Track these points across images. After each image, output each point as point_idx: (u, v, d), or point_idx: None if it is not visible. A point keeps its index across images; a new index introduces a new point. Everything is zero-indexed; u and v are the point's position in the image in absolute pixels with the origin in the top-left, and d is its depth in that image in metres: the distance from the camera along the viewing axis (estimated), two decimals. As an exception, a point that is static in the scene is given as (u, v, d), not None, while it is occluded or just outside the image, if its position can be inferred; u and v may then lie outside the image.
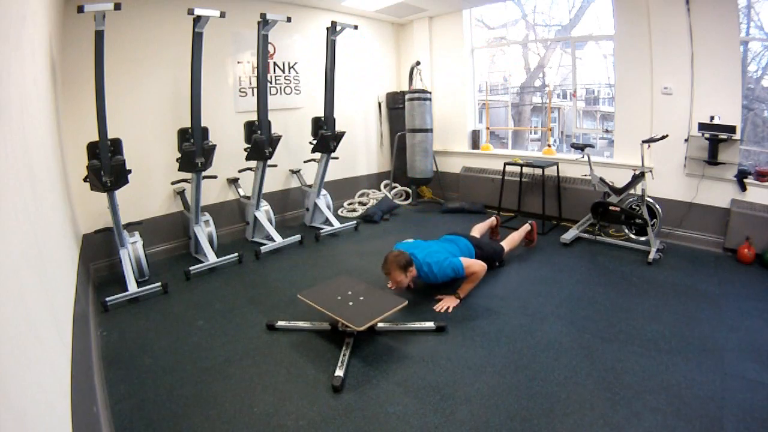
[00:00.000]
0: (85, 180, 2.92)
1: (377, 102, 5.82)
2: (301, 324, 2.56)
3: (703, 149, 3.58)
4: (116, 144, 2.94)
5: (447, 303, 2.77)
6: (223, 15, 3.10)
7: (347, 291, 2.52)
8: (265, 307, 2.87)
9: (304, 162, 4.69)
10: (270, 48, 4.39)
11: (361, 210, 5.17)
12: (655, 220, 3.67)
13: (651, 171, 3.70)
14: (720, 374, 2.04)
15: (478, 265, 2.86)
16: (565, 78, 8.08)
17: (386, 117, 5.92)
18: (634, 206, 3.72)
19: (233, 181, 4.29)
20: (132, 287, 3.00)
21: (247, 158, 3.82)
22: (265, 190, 4.14)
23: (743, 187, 3.49)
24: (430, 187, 5.80)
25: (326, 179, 4.54)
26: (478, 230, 3.68)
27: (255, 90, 4.06)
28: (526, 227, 3.77)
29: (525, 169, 4.64)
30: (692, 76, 3.61)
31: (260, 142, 3.68)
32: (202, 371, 2.19)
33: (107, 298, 2.87)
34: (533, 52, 8.79)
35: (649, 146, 3.70)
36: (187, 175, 3.62)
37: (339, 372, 2.06)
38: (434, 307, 2.75)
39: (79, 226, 3.26)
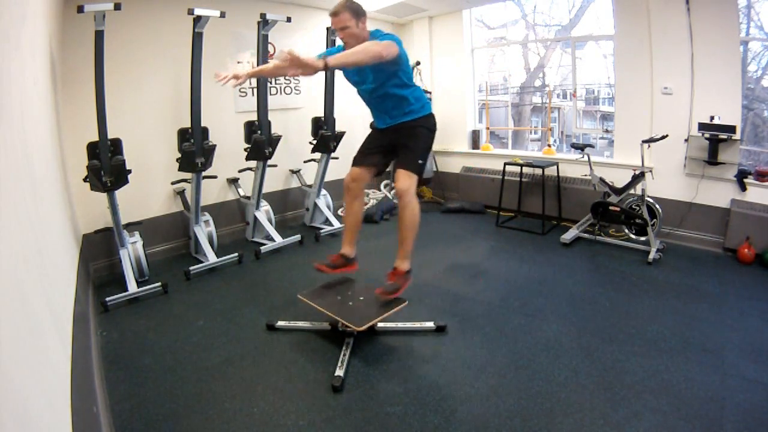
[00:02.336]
0: (85, 180, 2.92)
1: (377, 102, 5.81)
2: (301, 324, 2.56)
3: (703, 149, 3.58)
4: (116, 144, 2.94)
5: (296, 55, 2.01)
6: (223, 15, 3.10)
7: (347, 291, 2.52)
8: (265, 307, 2.87)
9: (304, 162, 4.68)
10: (270, 48, 4.39)
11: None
12: (655, 220, 3.67)
13: (651, 171, 3.70)
14: (720, 374, 2.04)
15: (382, 45, 2.10)
16: (565, 78, 8.07)
17: (386, 117, 5.91)
18: (634, 206, 3.73)
19: (233, 181, 4.29)
20: (132, 287, 3.00)
21: (247, 158, 3.82)
22: (265, 190, 4.14)
23: (743, 187, 3.49)
24: (430, 187, 5.80)
25: (326, 179, 4.54)
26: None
27: (255, 90, 4.06)
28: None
29: (525, 169, 4.64)
30: (692, 76, 3.61)
31: (260, 142, 3.68)
32: (202, 371, 2.19)
33: (107, 298, 2.86)
34: (533, 52, 8.79)
35: (649, 146, 3.70)
36: (187, 175, 3.62)
37: (339, 372, 2.06)
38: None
39: (79, 226, 3.26)
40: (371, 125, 2.69)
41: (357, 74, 2.42)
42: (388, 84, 2.35)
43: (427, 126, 2.47)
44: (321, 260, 2.63)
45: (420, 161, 2.37)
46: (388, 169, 6.09)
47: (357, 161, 2.58)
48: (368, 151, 2.58)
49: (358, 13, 2.25)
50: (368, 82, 2.37)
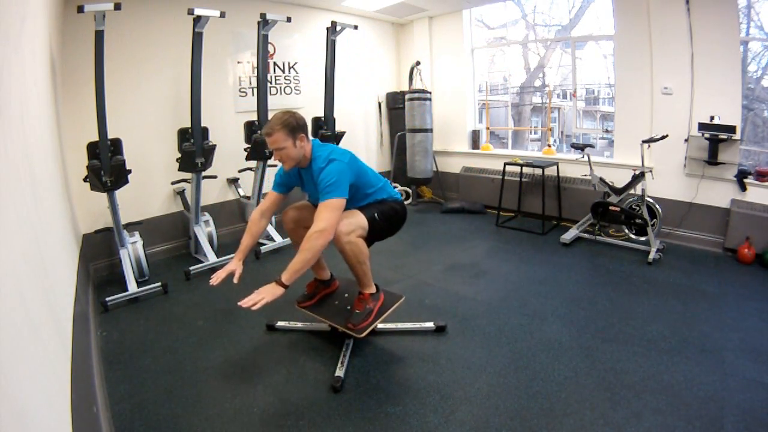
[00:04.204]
0: (85, 180, 2.92)
1: (377, 102, 5.82)
2: (300, 324, 2.56)
3: (703, 149, 3.58)
4: (116, 144, 2.94)
5: (262, 293, 1.96)
6: (223, 15, 3.10)
7: (344, 294, 2.51)
8: (265, 307, 2.86)
9: (304, 162, 4.68)
10: (270, 48, 4.39)
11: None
12: (655, 220, 3.67)
13: (651, 171, 3.70)
14: (720, 374, 2.04)
15: (327, 222, 1.89)
16: (565, 78, 8.07)
17: (386, 117, 5.92)
18: (634, 206, 3.72)
19: (233, 181, 4.29)
20: (132, 287, 3.00)
21: (247, 158, 3.82)
22: (265, 190, 4.13)
23: (743, 187, 3.49)
24: (430, 187, 5.80)
25: (326, 179, 4.53)
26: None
27: (255, 90, 4.06)
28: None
29: (525, 169, 4.64)
30: (692, 76, 3.61)
31: (260, 142, 3.68)
32: (201, 371, 2.19)
33: (107, 298, 2.86)
34: (533, 52, 8.79)
35: (649, 146, 3.70)
36: (187, 175, 3.62)
37: (339, 372, 2.06)
38: (239, 303, 1.96)
39: (79, 226, 3.26)
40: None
41: (310, 186, 2.14)
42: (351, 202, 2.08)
43: (395, 206, 2.26)
44: (298, 298, 2.45)
45: (375, 215, 2.13)
46: (388, 169, 6.04)
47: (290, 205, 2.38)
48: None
49: (295, 130, 1.98)
50: (319, 193, 2.01)
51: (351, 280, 2.65)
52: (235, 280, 2.09)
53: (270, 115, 3.87)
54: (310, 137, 2.11)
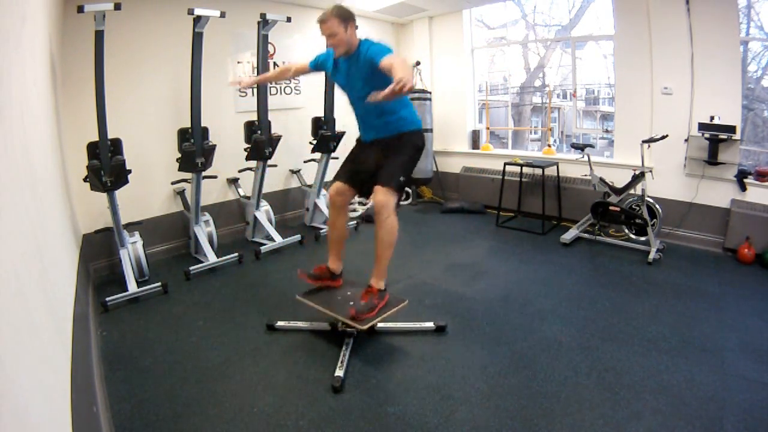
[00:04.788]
0: (85, 180, 2.92)
1: (377, 102, 5.81)
2: (301, 324, 2.56)
3: (703, 149, 3.58)
4: (116, 144, 2.94)
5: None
6: (223, 15, 3.10)
7: (346, 291, 2.52)
8: (265, 307, 2.87)
9: (304, 162, 4.68)
10: (270, 48, 4.39)
11: (361, 210, 5.17)
12: (655, 220, 3.67)
13: (651, 171, 3.70)
14: (720, 374, 2.04)
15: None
16: (565, 78, 8.08)
17: (386, 117, 5.91)
18: (634, 206, 3.72)
19: (233, 181, 4.29)
20: (132, 287, 3.00)
21: (247, 158, 3.82)
22: (265, 190, 4.14)
23: (743, 187, 3.49)
24: (430, 187, 5.80)
25: (326, 179, 4.53)
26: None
27: (255, 90, 4.06)
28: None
29: (525, 169, 4.64)
30: (692, 76, 3.61)
31: (260, 142, 3.68)
32: (202, 371, 2.19)
33: (107, 298, 2.86)
34: (533, 52, 8.79)
35: (649, 146, 3.70)
36: (187, 175, 3.62)
37: (339, 372, 2.06)
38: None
39: (79, 226, 3.26)
40: (357, 139, 2.55)
41: (345, 78, 2.33)
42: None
43: (413, 142, 2.36)
44: (305, 269, 2.56)
45: (402, 178, 2.24)
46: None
47: (340, 176, 2.45)
48: (351, 168, 2.45)
49: (346, 19, 2.18)
50: (357, 89, 2.25)
51: (355, 281, 2.66)
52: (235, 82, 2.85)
53: (270, 115, 3.90)
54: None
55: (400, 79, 1.73)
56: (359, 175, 2.40)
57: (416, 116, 2.42)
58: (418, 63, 5.41)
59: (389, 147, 2.33)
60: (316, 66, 2.56)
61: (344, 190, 2.42)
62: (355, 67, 2.24)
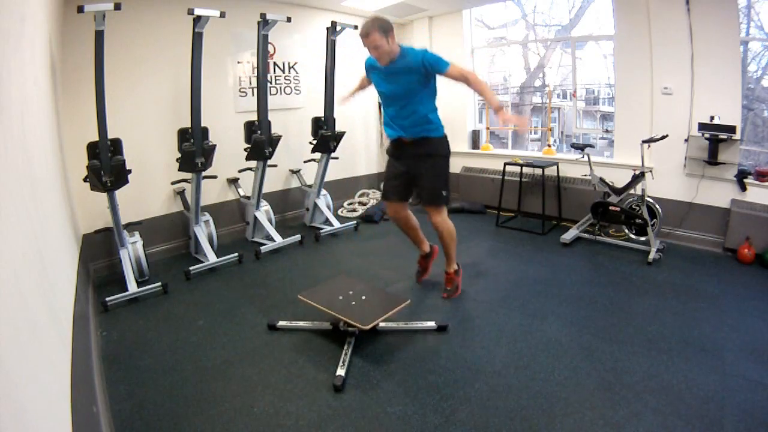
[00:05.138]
0: (85, 180, 2.92)
1: (377, 102, 5.81)
2: (302, 324, 2.56)
3: (703, 149, 3.58)
4: (116, 144, 2.94)
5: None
6: (223, 15, 3.10)
7: (348, 291, 2.52)
8: (265, 307, 2.87)
9: (304, 162, 4.69)
10: (270, 48, 4.39)
11: (361, 210, 5.17)
12: (655, 220, 3.67)
13: (651, 171, 3.70)
14: (720, 374, 2.04)
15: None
16: (565, 78, 8.06)
17: (386, 117, 5.91)
18: (634, 206, 3.72)
19: (233, 181, 4.29)
20: (132, 287, 3.00)
21: (247, 158, 3.82)
22: (265, 190, 4.14)
23: (743, 187, 3.49)
24: (430, 187, 5.79)
25: (326, 179, 4.54)
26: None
27: (255, 90, 4.06)
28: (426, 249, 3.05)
29: (525, 169, 4.64)
30: (692, 76, 3.61)
31: (260, 142, 3.68)
32: (202, 371, 2.19)
33: (107, 298, 2.87)
34: (533, 52, 8.78)
35: (649, 146, 3.70)
36: (187, 175, 3.62)
37: (340, 371, 2.06)
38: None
39: (79, 226, 3.26)
40: (387, 151, 2.85)
41: (385, 81, 2.57)
42: (414, 96, 2.50)
43: (441, 152, 2.67)
44: (420, 276, 3.10)
45: (444, 192, 2.66)
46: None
47: (388, 195, 2.83)
48: (392, 184, 2.78)
49: (387, 30, 2.37)
50: (395, 91, 2.53)
51: (355, 280, 2.66)
52: (343, 101, 2.95)
53: (270, 115, 3.91)
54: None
55: (509, 120, 2.41)
56: (402, 187, 2.75)
57: (441, 125, 2.68)
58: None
59: (420, 162, 2.62)
60: (367, 72, 2.76)
61: (398, 207, 2.82)
62: (398, 72, 2.47)
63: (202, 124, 3.33)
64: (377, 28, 2.33)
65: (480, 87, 2.46)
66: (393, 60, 2.47)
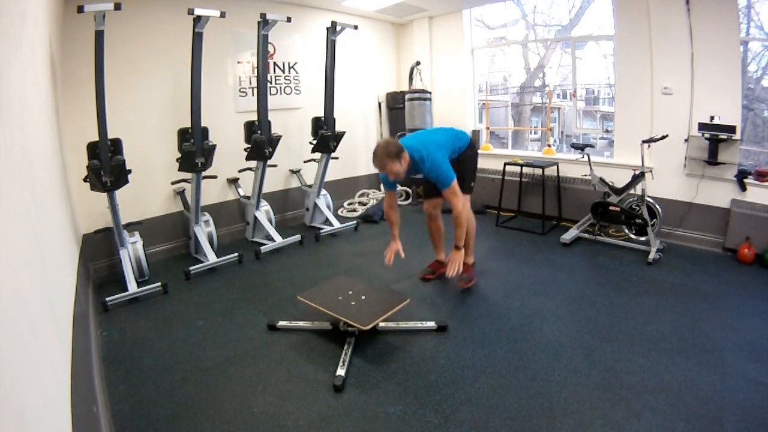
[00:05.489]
0: (85, 180, 2.92)
1: (377, 102, 5.82)
2: (302, 324, 2.56)
3: (703, 149, 3.58)
4: (116, 144, 2.94)
5: (454, 263, 2.64)
6: (223, 15, 3.10)
7: (348, 291, 2.52)
8: (265, 307, 2.87)
9: (304, 162, 4.69)
10: (270, 48, 4.39)
11: (361, 210, 5.17)
12: (655, 220, 3.67)
13: (651, 171, 3.70)
14: (720, 374, 2.04)
15: (463, 202, 2.68)
16: (565, 78, 8.07)
17: (386, 117, 5.92)
18: (634, 206, 3.72)
19: (233, 181, 4.29)
20: (132, 287, 3.00)
21: (247, 158, 3.82)
22: (265, 190, 4.14)
23: (743, 187, 3.49)
24: (430, 187, 5.80)
25: (326, 179, 4.54)
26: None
27: (255, 90, 4.06)
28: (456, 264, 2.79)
29: (525, 169, 4.64)
30: (692, 76, 3.61)
31: (260, 142, 3.68)
32: (202, 371, 2.19)
33: (107, 298, 2.87)
34: (533, 52, 8.79)
35: (649, 146, 3.70)
36: (187, 175, 3.62)
37: (340, 371, 2.06)
38: (446, 274, 2.64)
39: (79, 226, 3.26)
40: None
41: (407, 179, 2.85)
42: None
43: (468, 154, 2.96)
44: (421, 271, 3.25)
45: (471, 183, 2.98)
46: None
47: (425, 195, 3.16)
48: (428, 185, 3.06)
49: (398, 155, 2.53)
50: (417, 178, 2.82)
51: (354, 280, 2.66)
52: (402, 255, 2.79)
53: (270, 115, 3.91)
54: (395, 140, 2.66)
55: (453, 259, 2.65)
56: (433, 185, 2.87)
57: (465, 138, 2.98)
58: (418, 63, 5.41)
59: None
60: (390, 184, 2.85)
61: (434, 203, 3.10)
62: (414, 175, 2.75)
63: (202, 124, 3.33)
64: (391, 157, 2.51)
65: (458, 222, 2.66)
66: (407, 170, 2.68)
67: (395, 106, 5.73)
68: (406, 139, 2.78)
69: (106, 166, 2.81)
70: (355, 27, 4.22)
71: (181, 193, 3.95)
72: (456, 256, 2.67)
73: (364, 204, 5.37)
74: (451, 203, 2.63)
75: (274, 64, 4.54)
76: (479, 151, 5.35)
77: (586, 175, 4.01)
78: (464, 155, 2.95)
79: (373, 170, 5.83)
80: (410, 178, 2.83)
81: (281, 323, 2.56)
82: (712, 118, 3.50)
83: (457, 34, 5.38)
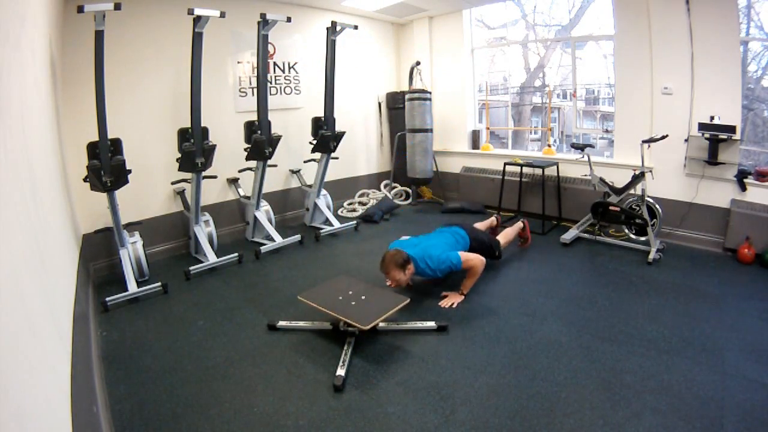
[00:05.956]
0: (85, 180, 2.92)
1: (377, 102, 5.82)
2: (302, 324, 2.56)
3: (703, 149, 3.58)
4: (116, 144, 2.94)
5: (451, 300, 2.81)
6: (223, 15, 3.10)
7: (348, 291, 2.52)
8: (265, 307, 2.87)
9: (304, 162, 4.69)
10: (270, 48, 4.39)
11: (361, 210, 5.17)
12: (655, 220, 3.67)
13: (651, 171, 3.70)
14: (720, 374, 2.04)
15: (476, 259, 2.85)
16: (565, 78, 8.07)
17: (386, 117, 5.92)
18: (634, 206, 3.72)
19: (233, 181, 4.29)
20: (132, 287, 3.00)
21: (247, 158, 3.82)
22: (265, 190, 4.14)
23: (743, 187, 3.49)
24: (430, 187, 5.80)
25: (326, 179, 4.54)
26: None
27: (255, 90, 4.06)
28: (519, 225, 3.73)
29: (525, 169, 4.64)
30: (692, 76, 3.61)
31: (260, 142, 3.68)
32: (202, 371, 2.19)
33: (107, 298, 2.87)
34: (533, 52, 8.79)
35: (649, 146, 3.70)
36: (187, 175, 3.62)
37: (341, 371, 2.06)
38: (439, 303, 2.79)
39: (79, 226, 3.26)
40: None
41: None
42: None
43: (473, 236, 3.25)
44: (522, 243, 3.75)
45: (497, 250, 3.33)
46: (389, 169, 6.09)
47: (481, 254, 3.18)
48: (473, 249, 3.18)
49: (404, 265, 2.68)
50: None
51: (355, 280, 2.66)
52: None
53: (270, 115, 3.91)
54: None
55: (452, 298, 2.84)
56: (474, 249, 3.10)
57: (460, 243, 3.11)
58: (418, 63, 5.41)
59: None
60: None
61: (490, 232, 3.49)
62: (423, 275, 2.88)
63: (202, 124, 3.33)
64: (394, 266, 2.67)
65: (472, 272, 2.85)
66: (413, 275, 2.83)
67: (395, 106, 5.74)
68: (411, 250, 2.84)
69: (106, 166, 2.81)
70: (355, 27, 4.22)
71: (181, 193, 3.95)
72: (456, 299, 2.82)
73: (364, 204, 5.37)
74: (470, 268, 2.82)
75: (274, 64, 4.54)
76: (480, 152, 5.40)
77: (586, 175, 4.01)
78: (472, 239, 3.17)
79: (373, 170, 5.86)
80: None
81: (281, 323, 2.56)
82: (712, 118, 3.50)
83: (457, 34, 5.38)
